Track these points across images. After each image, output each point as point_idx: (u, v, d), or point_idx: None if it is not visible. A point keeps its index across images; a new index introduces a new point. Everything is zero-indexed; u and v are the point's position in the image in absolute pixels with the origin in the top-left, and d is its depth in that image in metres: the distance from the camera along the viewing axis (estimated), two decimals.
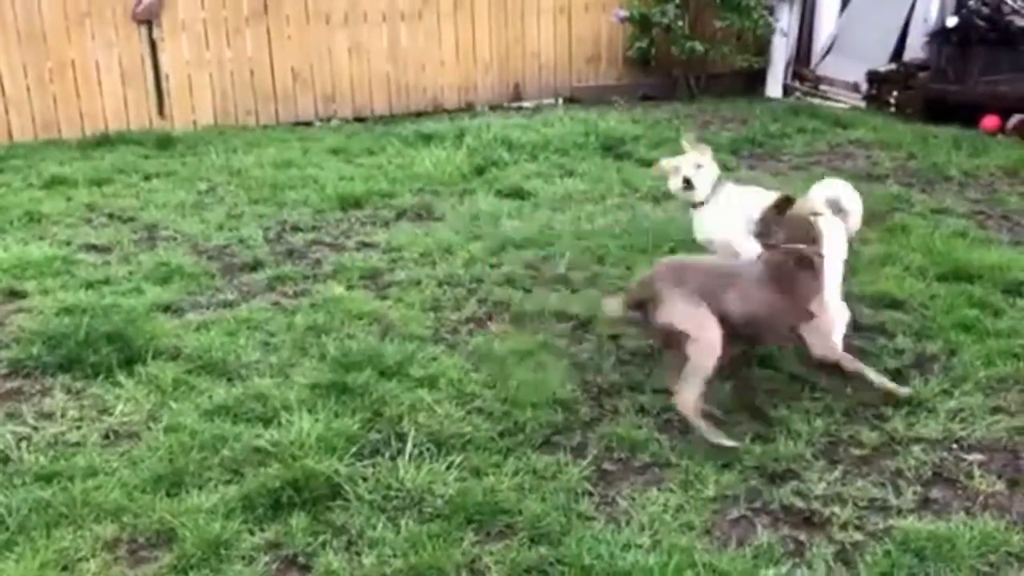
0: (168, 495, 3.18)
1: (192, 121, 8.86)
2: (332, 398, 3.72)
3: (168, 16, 8.66)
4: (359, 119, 9.39)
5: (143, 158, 7.64)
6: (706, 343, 3.47)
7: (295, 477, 3.17)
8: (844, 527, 3.02)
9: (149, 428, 3.61)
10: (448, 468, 3.27)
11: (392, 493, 3.16)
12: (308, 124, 9.21)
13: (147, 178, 7.11)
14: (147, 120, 8.69)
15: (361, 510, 3.09)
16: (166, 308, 4.73)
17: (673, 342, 3.57)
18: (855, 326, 4.44)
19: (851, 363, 3.74)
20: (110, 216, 6.21)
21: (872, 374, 3.75)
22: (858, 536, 2.98)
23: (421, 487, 3.17)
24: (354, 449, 3.36)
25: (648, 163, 7.47)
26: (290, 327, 4.45)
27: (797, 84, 10.54)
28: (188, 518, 3.02)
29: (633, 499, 3.17)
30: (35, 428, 3.64)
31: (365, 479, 3.22)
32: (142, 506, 3.10)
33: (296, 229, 5.97)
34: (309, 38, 9.23)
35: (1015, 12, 8.56)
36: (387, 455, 3.36)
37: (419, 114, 9.54)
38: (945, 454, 3.42)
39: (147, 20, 8.58)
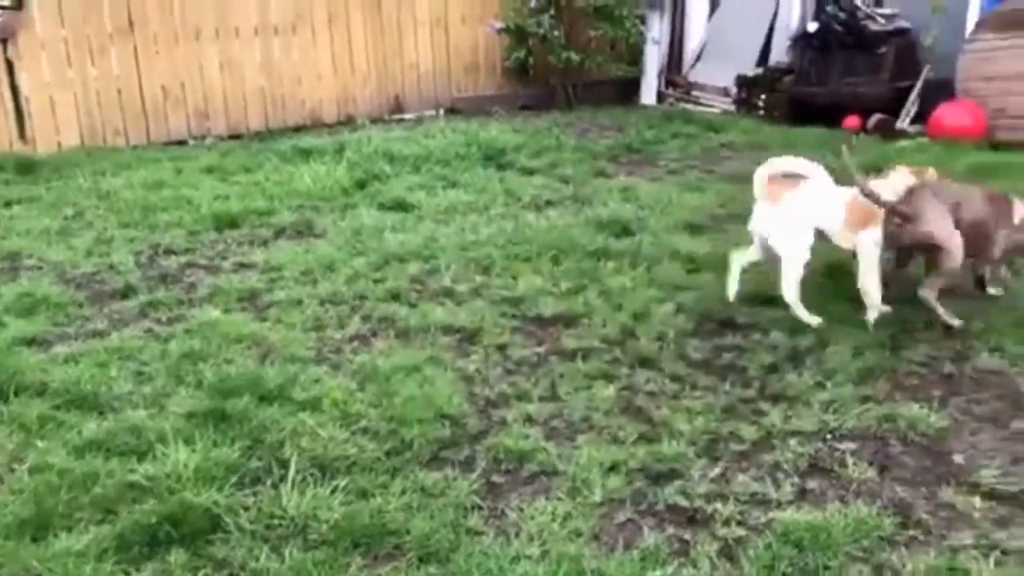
0: (34, 540, 2.99)
1: (56, 143, 8.48)
2: (210, 427, 3.59)
3: (25, 35, 8.27)
4: (235, 136, 9.17)
5: (2, 184, 7.27)
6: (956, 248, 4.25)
7: (172, 511, 3.04)
8: (727, 523, 3.08)
9: (12, 470, 3.40)
10: (333, 492, 3.20)
11: (275, 522, 3.07)
12: (181, 143, 8.94)
13: (7, 205, 6.76)
14: (7, 144, 8.27)
15: (243, 541, 2.98)
16: (30, 341, 4.49)
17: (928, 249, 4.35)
18: (731, 324, 4.59)
19: None
20: None
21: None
22: (740, 531, 3.04)
23: (305, 513, 3.09)
24: (234, 479, 3.25)
25: (530, 171, 7.55)
26: (164, 355, 4.29)
27: (670, 91, 10.84)
28: (56, 563, 2.86)
29: (522, 510, 3.16)
30: None
31: (246, 509, 3.12)
32: (5, 554, 2.91)
33: (169, 252, 5.77)
34: (179, 54, 8.97)
35: (869, 17, 9.01)
36: (269, 483, 3.26)
37: (297, 129, 9.40)
38: (820, 445, 3.54)
39: (2, 39, 8.16)
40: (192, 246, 5.88)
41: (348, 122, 9.73)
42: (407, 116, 10.06)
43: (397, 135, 8.67)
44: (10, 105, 8.31)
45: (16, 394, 3.89)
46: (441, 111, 10.28)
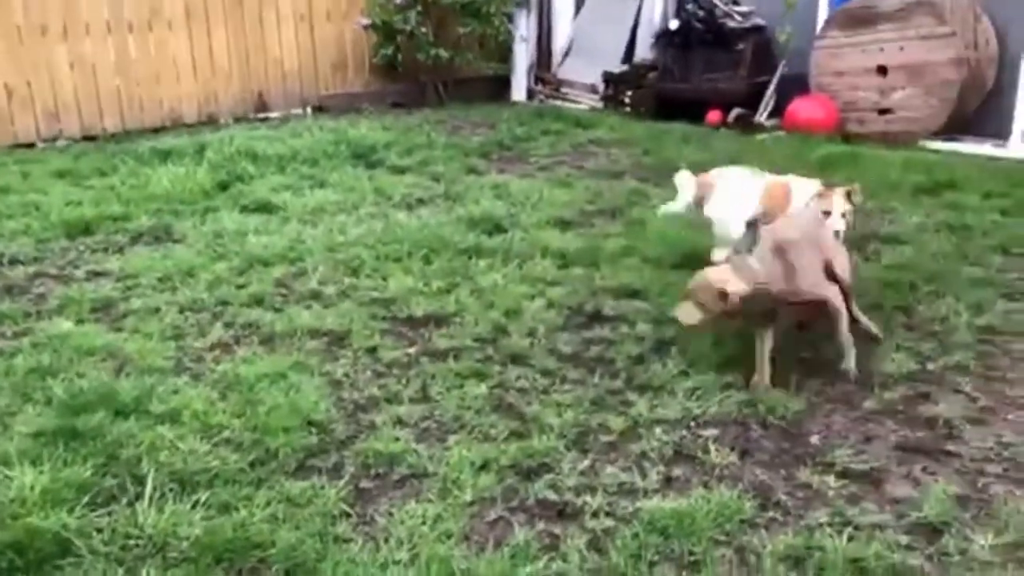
0: None
1: None
2: (60, 445, 3.39)
3: None
4: (89, 138, 8.74)
5: None
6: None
7: (17, 538, 2.86)
8: (595, 515, 3.11)
9: None
10: (194, 507, 3.07)
11: (131, 542, 2.92)
12: (30, 146, 8.45)
13: None
14: None
15: (96, 564, 2.83)
16: None
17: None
18: (599, 317, 4.65)
19: None
20: None
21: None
22: (609, 522, 3.08)
23: (164, 531, 2.95)
24: (86, 499, 3.08)
25: (401, 170, 7.48)
26: (9, 371, 4.03)
27: (540, 88, 10.93)
28: None
29: (391, 514, 3.11)
30: None
31: (100, 530, 2.96)
32: None
33: (15, 262, 5.43)
34: (24, 53, 8.48)
35: (727, 15, 9.31)
36: (124, 501, 3.10)
37: (156, 130, 9.03)
38: (684, 432, 3.62)
39: None
40: (41, 255, 5.56)
41: (210, 122, 9.41)
42: (273, 115, 9.81)
43: (262, 134, 8.44)
44: None
45: None
46: (308, 109, 10.07)
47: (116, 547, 2.90)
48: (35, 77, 8.57)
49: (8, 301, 4.86)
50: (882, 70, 8.26)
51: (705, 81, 9.31)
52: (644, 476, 3.33)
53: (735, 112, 9.08)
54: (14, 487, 3.10)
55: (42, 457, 3.30)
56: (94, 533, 2.95)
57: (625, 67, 10.14)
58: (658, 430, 3.62)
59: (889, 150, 7.69)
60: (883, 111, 8.30)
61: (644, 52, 10.17)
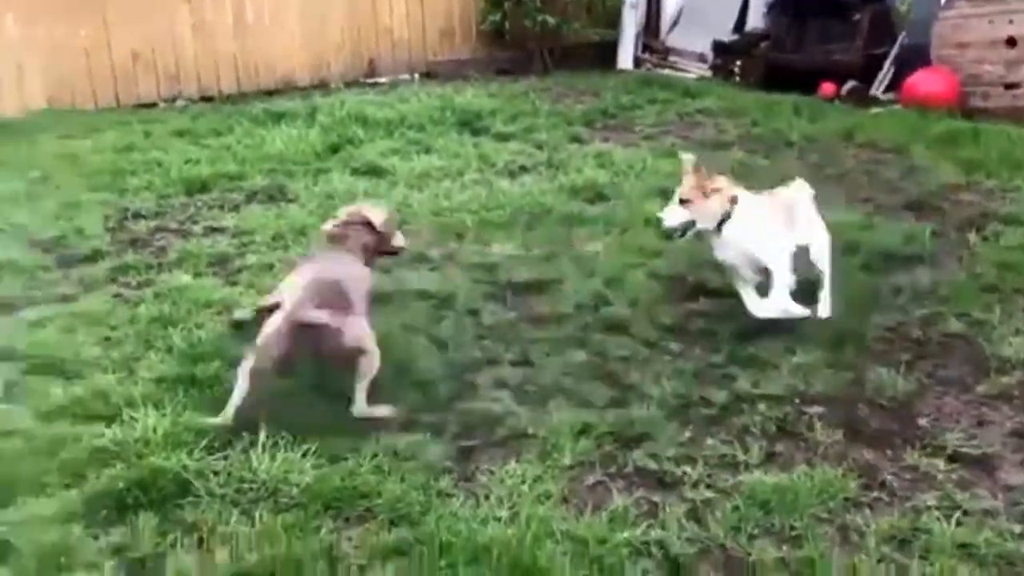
0: (2, 506, 2.98)
1: (23, 106, 8.32)
2: (180, 392, 3.58)
3: None
4: (206, 99, 9.04)
5: None
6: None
7: (141, 476, 3.03)
8: (695, 485, 3.11)
9: None
10: (304, 456, 3.19)
11: (245, 486, 3.06)
12: (151, 106, 8.80)
13: None
14: None
15: (213, 505, 2.98)
16: None
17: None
18: (703, 290, 4.60)
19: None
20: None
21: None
22: (708, 493, 3.07)
23: (276, 477, 3.08)
24: (204, 443, 3.23)
25: (505, 137, 7.51)
26: (133, 320, 4.25)
27: (648, 56, 10.77)
28: (25, 528, 2.85)
29: (492, 473, 3.18)
30: None
31: (216, 473, 3.11)
32: None
33: (139, 216, 5.70)
34: (148, 17, 8.81)
35: None
36: (239, 447, 3.24)
37: (270, 92, 9.26)
38: (789, 409, 3.57)
39: None
40: (162, 210, 5.81)
41: (321, 86, 9.61)
42: (381, 80, 9.95)
43: (371, 99, 8.58)
44: None
45: None
46: (416, 75, 10.17)
47: (231, 490, 3.05)
48: (158, 41, 8.90)
49: (132, 253, 5.10)
50: (1011, 42, 7.85)
51: (819, 52, 9.03)
52: (746, 450, 3.31)
53: (849, 84, 8.77)
54: (139, 428, 3.28)
55: (164, 402, 3.48)
56: (211, 476, 3.10)
57: (736, 36, 9.90)
58: (761, 405, 3.58)
59: (1016, 126, 7.32)
60: (1010, 85, 7.89)
61: (756, 21, 9.91)
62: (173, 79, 9.01)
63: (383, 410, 3.48)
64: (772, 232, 4.09)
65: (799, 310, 4.07)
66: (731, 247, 4.11)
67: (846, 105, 8.46)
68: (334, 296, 3.52)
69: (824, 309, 4.24)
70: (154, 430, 3.26)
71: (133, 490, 2.99)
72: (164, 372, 3.76)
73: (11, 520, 2.89)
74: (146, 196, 6.02)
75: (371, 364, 3.49)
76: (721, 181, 4.14)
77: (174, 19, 8.91)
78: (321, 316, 3.41)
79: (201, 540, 2.84)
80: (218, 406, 3.44)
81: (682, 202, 4.06)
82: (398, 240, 4.21)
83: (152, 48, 8.85)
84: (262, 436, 3.25)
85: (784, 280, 4.06)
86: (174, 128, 7.70)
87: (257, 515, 2.93)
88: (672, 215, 4.09)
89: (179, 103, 8.93)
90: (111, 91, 8.74)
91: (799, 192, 4.41)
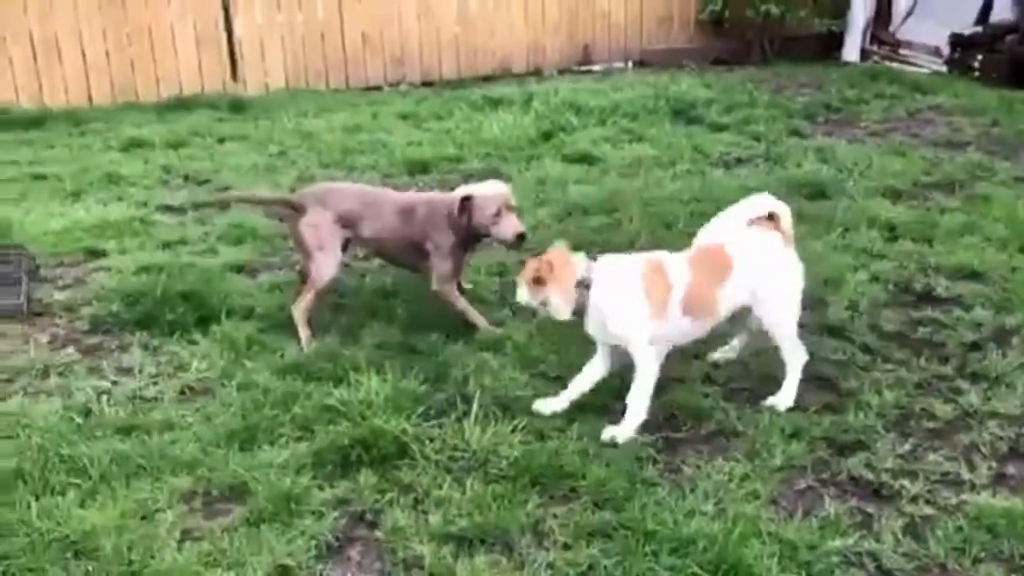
0: (241, 450, 3.26)
1: (264, 85, 8.99)
2: (399, 359, 3.77)
3: None
4: (427, 83, 9.41)
5: (217, 121, 7.79)
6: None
7: (364, 436, 3.22)
8: (914, 500, 2.96)
9: (223, 385, 3.71)
10: (513, 431, 3.29)
11: (458, 454, 3.20)
12: (377, 89, 9.26)
13: (221, 141, 7.25)
14: (221, 83, 8.85)
15: (428, 469, 3.13)
16: (239, 268, 4.84)
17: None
18: (930, 297, 4.35)
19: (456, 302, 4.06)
20: (186, 178, 6.36)
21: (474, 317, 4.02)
22: (929, 510, 2.92)
23: (486, 448, 3.20)
24: (421, 409, 3.40)
25: (720, 128, 7.37)
26: (359, 290, 4.52)
27: (876, 48, 10.22)
28: (260, 473, 3.10)
29: (698, 467, 3.15)
30: (115, 383, 3.77)
31: (431, 439, 3.26)
32: (216, 460, 3.19)
33: None
34: (378, 2, 9.26)
35: None
36: (453, 416, 3.39)
37: (487, 78, 9.52)
38: (1022, 430, 3.32)
39: None
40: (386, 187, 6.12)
41: (536, 72, 9.78)
42: (595, 67, 9.99)
43: (585, 87, 8.64)
44: (225, 47, 8.86)
45: (227, 316, 4.20)
46: (630, 63, 10.14)
47: (445, 456, 3.19)
48: (386, 25, 9.35)
49: None
50: None
51: None
52: (972, 469, 3.11)
53: None
54: (363, 390, 3.49)
55: (385, 367, 3.68)
56: (427, 441, 3.25)
57: (978, 28, 9.20)
58: (992, 423, 3.36)
59: None
60: None
61: (1003, 12, 9.17)
62: (398, 62, 9.43)
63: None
64: (635, 310, 3.33)
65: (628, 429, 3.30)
66: (591, 319, 3.42)
67: None
68: None
69: (784, 398, 3.49)
70: (376, 393, 3.45)
71: (356, 447, 3.19)
72: (386, 339, 3.97)
73: (250, 464, 3.16)
74: (372, 175, 6.35)
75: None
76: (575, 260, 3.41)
77: (402, 2, 9.32)
78: None
79: (416, 501, 3.00)
80: (434, 375, 3.61)
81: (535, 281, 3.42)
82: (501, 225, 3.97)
83: (380, 31, 9.30)
84: (475, 408, 3.38)
85: (646, 385, 3.34)
86: (398, 111, 8.07)
87: (468, 483, 3.05)
88: (522, 295, 3.48)
89: (402, 87, 9.35)
90: (342, 73, 9.27)
91: (747, 230, 3.54)
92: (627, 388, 3.38)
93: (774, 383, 3.60)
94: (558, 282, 3.36)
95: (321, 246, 4.07)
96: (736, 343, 3.81)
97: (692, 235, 5.02)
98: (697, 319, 3.43)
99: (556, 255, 3.42)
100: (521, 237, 4.00)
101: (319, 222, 4.08)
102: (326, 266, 4.07)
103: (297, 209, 4.14)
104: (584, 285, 3.36)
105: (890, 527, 2.84)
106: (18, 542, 2.78)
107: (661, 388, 3.64)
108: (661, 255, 3.47)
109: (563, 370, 3.72)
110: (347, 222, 4.13)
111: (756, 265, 3.46)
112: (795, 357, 3.54)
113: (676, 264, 3.42)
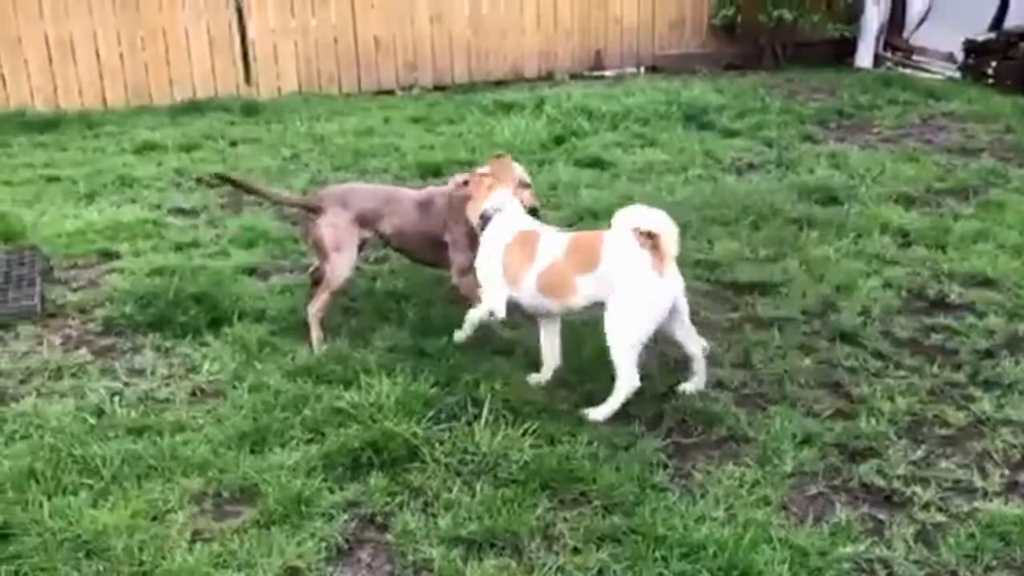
0: (252, 452, 3.27)
1: (277, 88, 9.02)
2: (410, 362, 3.77)
3: None
4: (439, 87, 9.43)
5: (230, 124, 7.82)
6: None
7: (374, 438, 3.23)
8: (926, 507, 2.95)
9: (234, 387, 3.72)
10: (523, 435, 3.29)
11: (468, 457, 3.20)
12: (390, 92, 9.28)
13: (233, 144, 7.27)
14: (234, 87, 8.88)
15: (438, 472, 3.13)
16: (251, 271, 4.85)
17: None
18: (943, 304, 4.33)
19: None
20: (198, 181, 6.38)
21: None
22: (941, 517, 2.91)
23: (496, 452, 3.20)
24: (431, 413, 3.40)
25: (732, 133, 7.36)
26: (370, 293, 4.52)
27: (888, 54, 10.19)
28: (271, 475, 3.11)
29: (708, 472, 3.15)
30: (127, 384, 3.78)
31: (442, 442, 3.27)
32: (227, 462, 3.20)
33: None
34: (392, 5, 9.28)
35: None
36: (463, 420, 3.39)
37: (499, 83, 9.53)
38: None
39: None
40: None
41: (548, 77, 9.78)
42: (607, 73, 9.99)
43: (596, 92, 8.65)
44: (239, 51, 8.90)
45: (239, 318, 4.22)
46: (642, 69, 10.14)
47: (455, 460, 3.19)
48: (399, 29, 9.37)
49: None
50: None
51: None
52: (985, 476, 3.10)
53: None
54: (373, 393, 3.50)
55: (395, 370, 3.68)
56: (437, 444, 3.25)
57: (992, 34, 9.17)
58: (1005, 431, 3.34)
59: None
60: None
61: (1018, 18, 9.12)
62: (410, 66, 9.45)
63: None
64: (492, 269, 3.58)
65: None
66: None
67: None
68: None
69: (598, 411, 3.45)
70: (387, 396, 3.46)
71: (367, 450, 3.19)
72: (396, 343, 3.98)
73: (260, 466, 3.17)
74: (384, 178, 6.36)
75: None
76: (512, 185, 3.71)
77: (414, 6, 9.35)
78: None
79: (426, 504, 3.00)
80: (444, 379, 3.61)
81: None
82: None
83: (393, 35, 9.33)
84: (485, 411, 3.38)
85: (470, 320, 3.62)
86: (411, 115, 8.09)
87: (478, 486, 3.05)
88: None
89: (415, 91, 9.36)
90: (354, 77, 9.29)
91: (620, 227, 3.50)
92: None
93: (785, 396, 3.59)
94: (475, 200, 3.64)
95: (339, 247, 4.08)
96: (695, 368, 3.66)
97: (709, 240, 5.09)
98: (549, 297, 3.55)
99: (500, 165, 3.62)
100: (534, 211, 4.04)
101: (338, 222, 4.10)
102: (342, 266, 4.08)
103: (315, 210, 4.15)
104: (484, 219, 3.59)
105: (902, 534, 2.83)
106: (30, 541, 2.79)
107: (671, 392, 3.65)
108: (546, 230, 3.66)
109: (573, 375, 3.72)
110: (367, 220, 4.16)
111: (617, 271, 3.41)
112: (623, 381, 3.41)
113: (552, 241, 3.58)
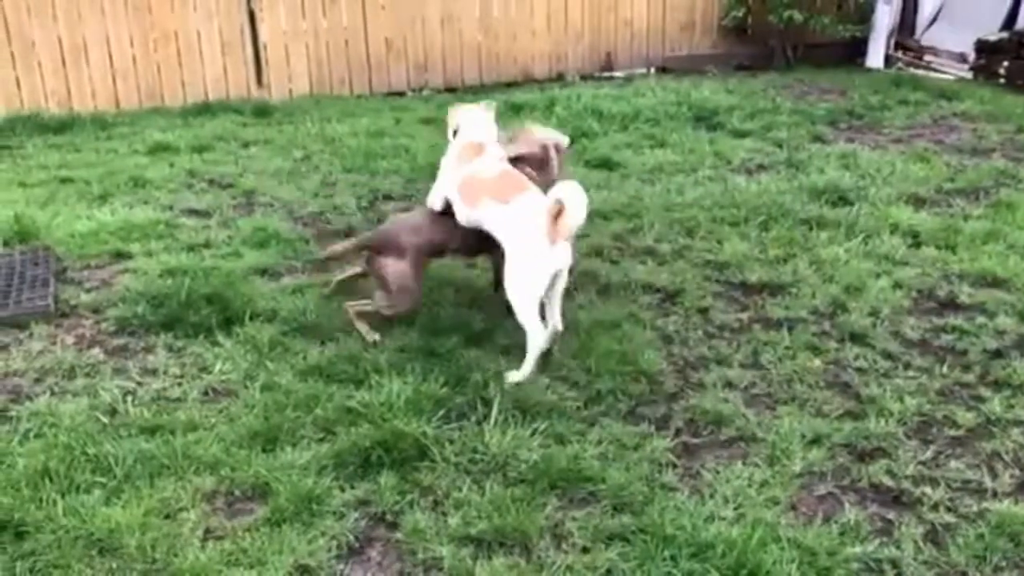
0: (264, 451, 3.29)
1: (288, 90, 9.06)
2: (420, 362, 3.80)
3: None
4: (450, 89, 9.45)
5: (242, 126, 7.86)
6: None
7: (384, 437, 3.25)
8: (935, 508, 2.96)
9: (246, 386, 3.74)
10: (532, 434, 3.31)
11: (478, 456, 3.22)
12: (400, 94, 9.31)
13: (245, 145, 7.31)
14: (246, 89, 8.92)
15: (447, 471, 3.15)
16: (263, 272, 4.88)
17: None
18: (953, 304, 4.33)
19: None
20: (210, 182, 6.42)
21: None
22: (950, 518, 2.91)
23: (506, 451, 3.22)
24: (441, 412, 3.42)
25: (742, 134, 7.36)
26: None
27: (899, 54, 10.17)
28: (282, 473, 3.14)
29: (717, 472, 3.16)
30: (139, 383, 3.82)
31: (451, 441, 3.29)
32: (239, 461, 3.23)
33: (388, 198, 6.06)
34: (403, 8, 9.31)
35: None
36: (473, 419, 3.41)
37: (509, 84, 9.54)
38: None
39: None
40: (409, 193, 6.15)
41: (558, 79, 9.79)
42: (617, 74, 10.00)
43: (606, 93, 8.65)
44: (250, 53, 8.94)
45: (251, 318, 4.25)
46: (652, 70, 10.14)
47: (465, 459, 3.21)
48: (410, 31, 9.40)
49: None
50: None
51: None
52: (994, 477, 3.10)
53: None
54: (384, 393, 3.52)
55: (405, 370, 3.71)
56: (447, 443, 3.28)
57: (1004, 34, 9.14)
58: (1015, 431, 3.34)
59: None
60: None
61: None
62: (421, 68, 9.48)
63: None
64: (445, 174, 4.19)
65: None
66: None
67: None
68: None
69: (516, 372, 3.69)
70: (397, 396, 3.48)
71: (377, 449, 3.21)
72: (407, 343, 4.00)
73: (272, 465, 3.19)
74: (395, 179, 6.39)
75: None
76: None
77: (425, 8, 9.38)
78: None
79: (436, 503, 3.02)
80: (454, 379, 3.63)
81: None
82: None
83: (404, 37, 9.36)
84: (495, 411, 3.40)
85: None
86: (421, 116, 8.11)
87: (488, 485, 3.07)
88: None
89: (425, 92, 9.39)
90: (366, 79, 9.32)
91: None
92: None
93: (795, 396, 3.60)
94: (451, 116, 4.23)
95: (404, 287, 4.01)
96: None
97: (718, 240, 5.10)
98: (461, 198, 3.97)
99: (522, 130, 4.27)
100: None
101: (404, 262, 4.03)
102: (403, 304, 4.03)
103: (379, 251, 4.10)
104: (454, 132, 4.14)
105: (911, 534, 2.83)
106: (44, 539, 2.82)
107: (680, 393, 3.66)
108: (493, 146, 4.10)
109: (583, 375, 3.74)
110: (434, 249, 4.17)
111: (516, 220, 3.73)
112: (531, 335, 3.68)
113: (490, 158, 4.02)
